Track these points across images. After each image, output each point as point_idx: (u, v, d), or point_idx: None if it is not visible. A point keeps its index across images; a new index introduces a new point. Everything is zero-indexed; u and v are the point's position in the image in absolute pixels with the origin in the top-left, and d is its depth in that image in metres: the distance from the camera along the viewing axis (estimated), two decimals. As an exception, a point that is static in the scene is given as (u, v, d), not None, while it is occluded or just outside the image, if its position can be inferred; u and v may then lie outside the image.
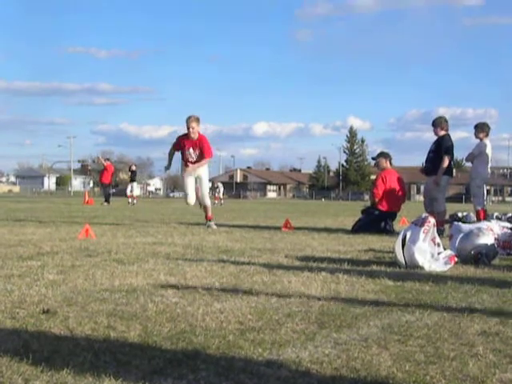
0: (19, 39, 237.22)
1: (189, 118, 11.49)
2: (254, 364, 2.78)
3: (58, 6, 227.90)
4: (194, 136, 11.48)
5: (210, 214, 12.06)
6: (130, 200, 31.38)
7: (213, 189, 39.93)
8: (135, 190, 33.79)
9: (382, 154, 12.49)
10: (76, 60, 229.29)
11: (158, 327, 3.42)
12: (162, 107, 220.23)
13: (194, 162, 11.63)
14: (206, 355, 2.89)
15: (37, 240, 8.45)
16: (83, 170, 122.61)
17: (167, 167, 12.58)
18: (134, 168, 34.75)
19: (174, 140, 11.89)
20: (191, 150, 11.58)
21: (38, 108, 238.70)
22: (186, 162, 11.74)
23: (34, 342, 3.04)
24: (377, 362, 2.85)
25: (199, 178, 11.81)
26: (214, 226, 11.78)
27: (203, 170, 11.85)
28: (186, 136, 11.57)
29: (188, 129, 11.44)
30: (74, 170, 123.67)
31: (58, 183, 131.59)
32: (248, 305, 4.12)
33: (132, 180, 33.62)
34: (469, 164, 12.30)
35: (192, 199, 11.82)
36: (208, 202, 12.05)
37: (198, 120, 11.54)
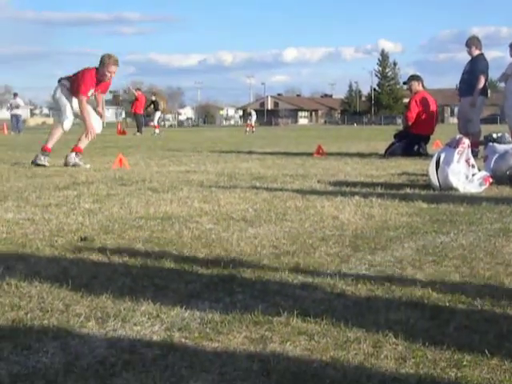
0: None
1: (115, 59, 9.48)
2: (289, 287, 2.81)
3: None
4: (108, 80, 9.67)
5: (49, 145, 9.67)
6: (157, 131, 30.78)
7: (245, 116, 39.72)
8: (156, 119, 33.74)
9: (414, 77, 12.31)
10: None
11: (194, 253, 3.47)
12: (190, 35, 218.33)
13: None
14: (241, 279, 2.93)
15: (72, 170, 8.54)
16: (115, 101, 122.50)
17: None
18: (153, 98, 34.43)
19: (86, 74, 9.44)
20: (92, 91, 9.54)
21: (67, 38, 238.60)
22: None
23: (73, 269, 3.10)
24: (412, 282, 2.86)
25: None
26: (42, 161, 9.44)
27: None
28: (99, 77, 9.49)
29: (109, 73, 9.47)
30: (105, 101, 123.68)
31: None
32: (282, 230, 4.14)
33: (156, 109, 33.44)
34: (503, 84, 12.03)
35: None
36: (67, 126, 9.71)
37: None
